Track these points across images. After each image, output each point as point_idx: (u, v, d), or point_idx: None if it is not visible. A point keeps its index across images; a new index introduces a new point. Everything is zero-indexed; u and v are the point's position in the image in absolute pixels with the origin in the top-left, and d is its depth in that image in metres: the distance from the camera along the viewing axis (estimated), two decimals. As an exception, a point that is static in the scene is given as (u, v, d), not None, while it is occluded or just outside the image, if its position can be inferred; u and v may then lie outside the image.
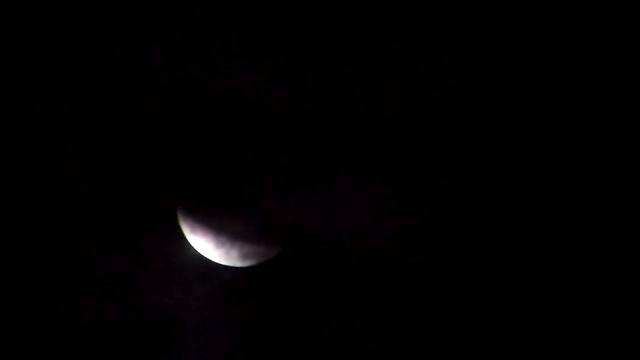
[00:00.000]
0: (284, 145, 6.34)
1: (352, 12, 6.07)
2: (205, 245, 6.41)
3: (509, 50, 6.23)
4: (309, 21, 6.10)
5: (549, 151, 6.46)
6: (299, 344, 6.72)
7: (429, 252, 6.56)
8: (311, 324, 6.68)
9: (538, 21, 6.17)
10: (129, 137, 6.34)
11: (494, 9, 6.12)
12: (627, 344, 6.57)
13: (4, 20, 6.02)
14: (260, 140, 6.34)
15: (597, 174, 6.48)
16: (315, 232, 6.48)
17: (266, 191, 6.27)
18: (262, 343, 6.72)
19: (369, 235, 6.50)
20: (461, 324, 6.64)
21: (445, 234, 6.54)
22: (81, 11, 6.07)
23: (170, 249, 6.58)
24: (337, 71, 6.18)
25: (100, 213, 6.47)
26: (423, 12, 6.10)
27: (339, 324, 6.67)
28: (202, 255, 6.52)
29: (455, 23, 6.12)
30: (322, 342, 6.71)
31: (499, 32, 6.17)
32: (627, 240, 6.54)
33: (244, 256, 6.41)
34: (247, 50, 6.15)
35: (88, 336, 6.63)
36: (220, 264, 6.52)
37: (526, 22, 6.17)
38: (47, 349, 6.58)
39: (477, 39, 6.18)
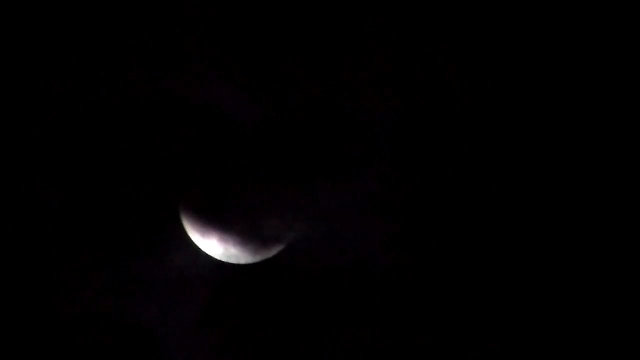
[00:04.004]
0: (265, 157, 6.47)
1: (331, 20, 6.25)
2: (205, 244, 6.49)
3: (499, 54, 6.35)
4: (286, 34, 6.30)
5: (540, 162, 6.52)
6: (289, 350, 6.71)
7: (414, 260, 6.58)
8: (298, 332, 6.67)
9: (530, 24, 6.33)
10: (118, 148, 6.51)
11: (483, 10, 6.28)
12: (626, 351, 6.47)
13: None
14: (242, 153, 6.48)
15: (592, 189, 6.51)
16: (298, 241, 6.54)
17: (250, 201, 6.36)
18: (256, 343, 6.72)
19: (353, 244, 6.55)
20: (445, 333, 6.61)
21: (431, 242, 6.57)
22: (62, 28, 6.36)
23: (169, 251, 6.67)
24: (317, 81, 6.33)
25: (97, 216, 6.59)
26: (407, 14, 6.27)
27: (326, 332, 6.66)
28: (198, 255, 6.59)
29: (440, 24, 6.28)
30: (311, 350, 6.70)
31: (490, 34, 6.31)
32: (626, 251, 6.51)
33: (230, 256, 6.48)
34: (224, 65, 6.37)
35: (84, 338, 6.65)
36: (214, 263, 6.58)
37: (521, 24, 6.32)
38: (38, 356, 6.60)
39: (465, 40, 6.31)
